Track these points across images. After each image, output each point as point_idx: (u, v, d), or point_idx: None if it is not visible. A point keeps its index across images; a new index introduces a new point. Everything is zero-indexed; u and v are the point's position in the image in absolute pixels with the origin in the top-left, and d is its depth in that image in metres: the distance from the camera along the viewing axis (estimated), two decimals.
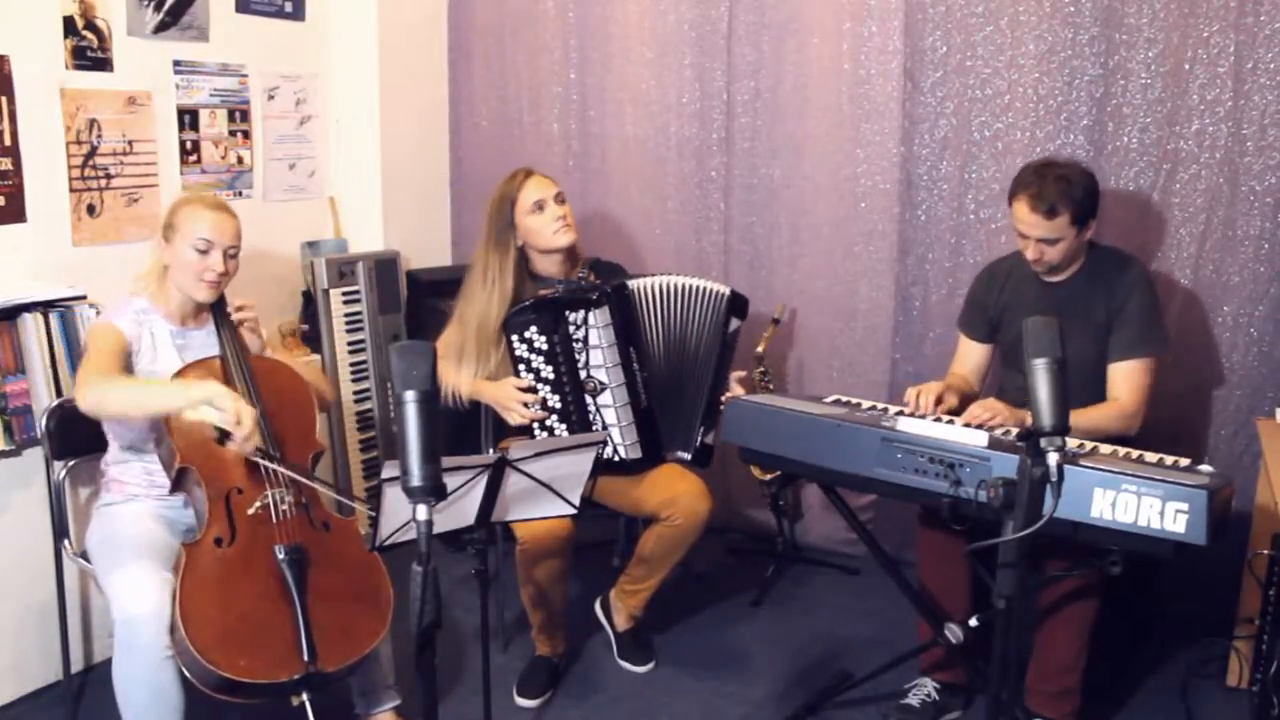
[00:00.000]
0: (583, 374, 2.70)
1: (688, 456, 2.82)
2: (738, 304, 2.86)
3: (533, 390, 2.71)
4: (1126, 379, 2.58)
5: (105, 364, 2.31)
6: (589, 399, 2.71)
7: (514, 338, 2.69)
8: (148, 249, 2.54)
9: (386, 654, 2.49)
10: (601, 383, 2.68)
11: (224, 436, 2.16)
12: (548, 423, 2.72)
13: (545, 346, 2.68)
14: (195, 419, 2.15)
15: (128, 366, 2.38)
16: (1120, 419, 2.54)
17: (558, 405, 2.71)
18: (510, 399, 2.71)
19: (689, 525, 2.69)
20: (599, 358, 2.68)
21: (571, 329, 2.67)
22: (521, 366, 2.71)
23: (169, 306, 2.47)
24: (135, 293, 2.49)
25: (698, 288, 2.80)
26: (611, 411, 2.71)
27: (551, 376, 2.70)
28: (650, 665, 2.93)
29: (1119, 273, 2.63)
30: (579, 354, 2.68)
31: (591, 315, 2.66)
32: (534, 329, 2.68)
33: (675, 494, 2.71)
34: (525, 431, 2.74)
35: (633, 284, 2.74)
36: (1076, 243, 2.58)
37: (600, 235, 3.81)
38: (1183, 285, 3.05)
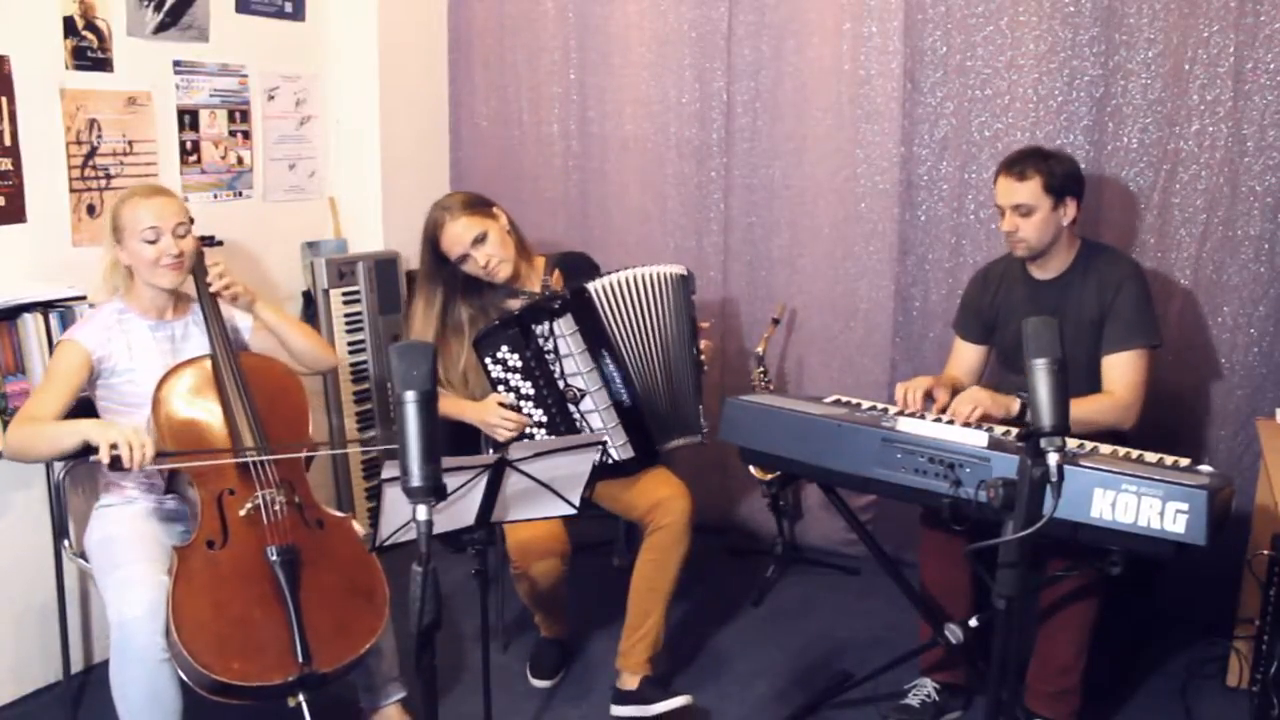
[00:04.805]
0: (560, 384, 2.67)
1: (698, 439, 2.81)
2: (690, 281, 2.83)
3: (516, 409, 2.68)
4: (1120, 371, 2.58)
5: (48, 401, 2.32)
6: (572, 407, 2.69)
7: (487, 360, 2.67)
8: (99, 253, 2.52)
9: (390, 648, 2.48)
10: (580, 389, 2.65)
11: (115, 463, 2.13)
12: (537, 436, 2.70)
13: (519, 363, 2.66)
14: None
15: (88, 382, 2.39)
16: (1114, 410, 2.54)
17: (544, 419, 2.69)
18: (495, 415, 2.68)
19: (677, 524, 2.65)
20: (572, 365, 2.65)
21: (541, 341, 2.63)
22: (501, 387, 2.69)
23: (143, 303, 2.48)
24: (109, 295, 2.49)
25: (655, 275, 2.74)
26: (596, 416, 2.68)
27: (531, 392, 2.67)
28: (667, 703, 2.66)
29: (1110, 268, 2.64)
30: (553, 364, 2.64)
31: (556, 325, 2.62)
32: (505, 348, 2.65)
33: (658, 497, 2.69)
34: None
35: (592, 286, 2.67)
36: (1053, 219, 2.59)
37: (600, 235, 3.81)
38: (1183, 285, 3.05)
